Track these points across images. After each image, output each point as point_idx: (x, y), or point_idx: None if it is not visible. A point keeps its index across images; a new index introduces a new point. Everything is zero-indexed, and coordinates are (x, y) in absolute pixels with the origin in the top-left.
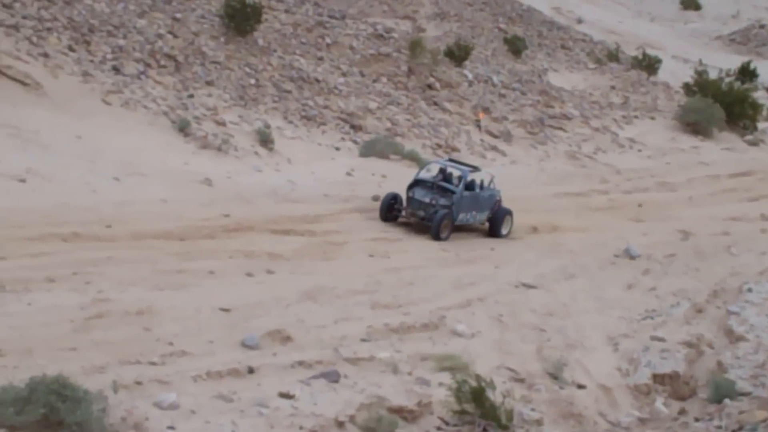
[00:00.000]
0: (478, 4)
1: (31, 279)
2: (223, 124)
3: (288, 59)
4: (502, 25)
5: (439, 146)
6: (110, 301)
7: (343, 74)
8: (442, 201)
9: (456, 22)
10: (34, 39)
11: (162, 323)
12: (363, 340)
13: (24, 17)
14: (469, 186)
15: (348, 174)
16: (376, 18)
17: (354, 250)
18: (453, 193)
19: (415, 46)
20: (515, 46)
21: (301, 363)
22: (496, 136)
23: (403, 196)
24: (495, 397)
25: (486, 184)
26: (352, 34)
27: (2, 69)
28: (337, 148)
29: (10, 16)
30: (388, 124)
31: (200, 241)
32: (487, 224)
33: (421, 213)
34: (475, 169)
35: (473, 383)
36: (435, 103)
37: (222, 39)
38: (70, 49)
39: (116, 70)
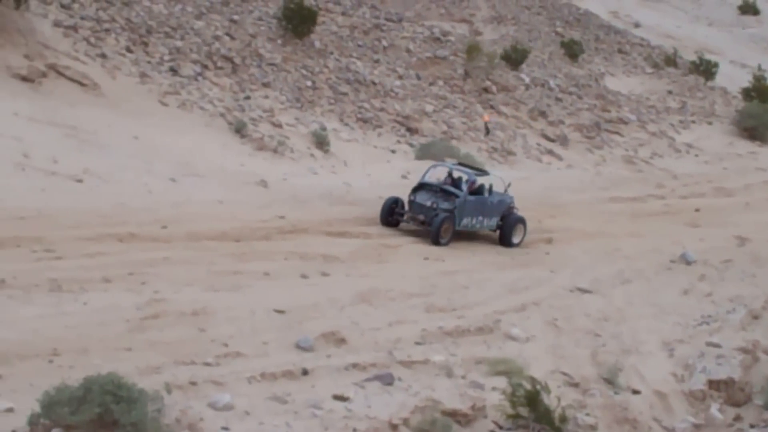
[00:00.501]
0: (535, 7)
1: (88, 279)
2: (279, 125)
3: (344, 62)
4: (559, 29)
5: (495, 150)
6: (166, 301)
7: (400, 77)
8: (445, 205)
9: (513, 26)
10: (92, 40)
11: (217, 324)
12: (417, 343)
13: (82, 18)
14: (477, 191)
15: (403, 177)
16: (433, 21)
17: (409, 253)
18: (456, 196)
19: (472, 50)
20: (572, 50)
21: (355, 365)
22: (552, 140)
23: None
24: (549, 401)
25: (502, 189)
26: (408, 37)
27: (61, 69)
28: (393, 151)
29: (69, 17)
30: (444, 128)
31: (255, 242)
32: (497, 232)
33: (421, 217)
34: (483, 172)
35: (528, 387)
36: (491, 107)
37: (279, 41)
38: (128, 50)
39: (173, 71)
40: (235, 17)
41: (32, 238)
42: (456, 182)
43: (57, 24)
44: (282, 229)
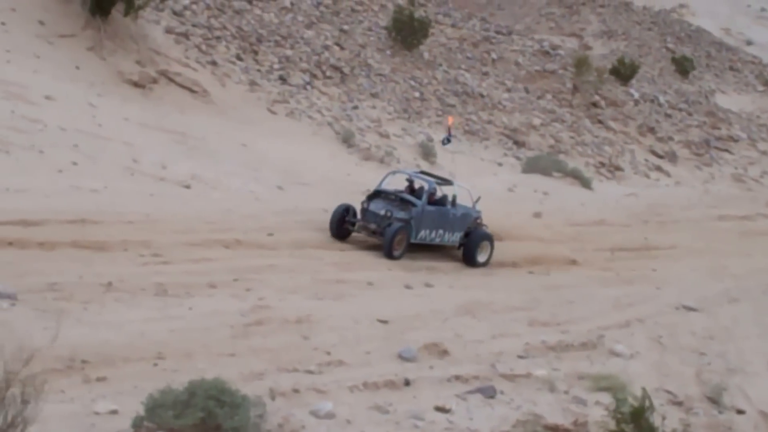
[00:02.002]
0: (646, 23)
1: (193, 284)
2: (386, 136)
3: (453, 73)
4: (670, 45)
5: (603, 165)
6: (270, 308)
7: (508, 90)
8: (400, 214)
9: (623, 41)
10: (203, 47)
11: (320, 332)
12: (520, 357)
13: (194, 25)
14: (439, 201)
15: (510, 190)
16: (542, 34)
17: (512, 265)
18: (414, 206)
19: (581, 64)
20: (683, 66)
21: (457, 377)
22: (660, 156)
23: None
24: (653, 418)
25: (463, 202)
26: (518, 50)
27: (172, 76)
28: (500, 164)
29: (181, 24)
30: (552, 141)
31: (360, 252)
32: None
33: (373, 226)
34: (445, 182)
35: (633, 403)
36: (599, 122)
37: (388, 52)
38: (238, 58)
39: (283, 79)
40: (345, 27)
41: (140, 242)
42: (418, 192)
43: (169, 31)
44: None
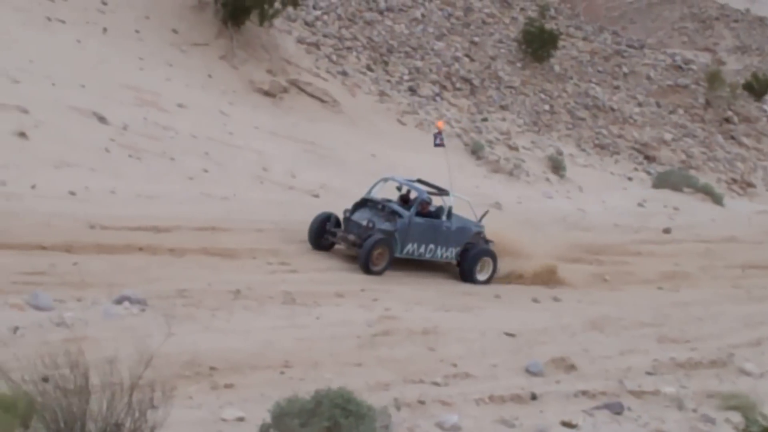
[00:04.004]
0: None
1: (321, 293)
2: (515, 148)
3: (583, 87)
4: None
5: (734, 181)
6: (396, 319)
7: (639, 104)
8: (384, 225)
9: (757, 56)
10: (334, 57)
11: (447, 344)
12: (648, 373)
13: (325, 36)
14: (433, 213)
15: (639, 205)
16: (674, 49)
17: (642, 282)
18: (400, 217)
19: (714, 79)
20: None
21: (584, 392)
22: None
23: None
24: None
25: (474, 216)
26: (649, 64)
27: (302, 85)
28: (630, 178)
29: (312, 34)
30: (683, 157)
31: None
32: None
33: (352, 237)
34: (441, 191)
35: (763, 423)
36: (732, 137)
37: (518, 64)
38: (369, 68)
39: (412, 90)
40: (476, 39)
41: (268, 250)
42: (412, 202)
43: (300, 41)
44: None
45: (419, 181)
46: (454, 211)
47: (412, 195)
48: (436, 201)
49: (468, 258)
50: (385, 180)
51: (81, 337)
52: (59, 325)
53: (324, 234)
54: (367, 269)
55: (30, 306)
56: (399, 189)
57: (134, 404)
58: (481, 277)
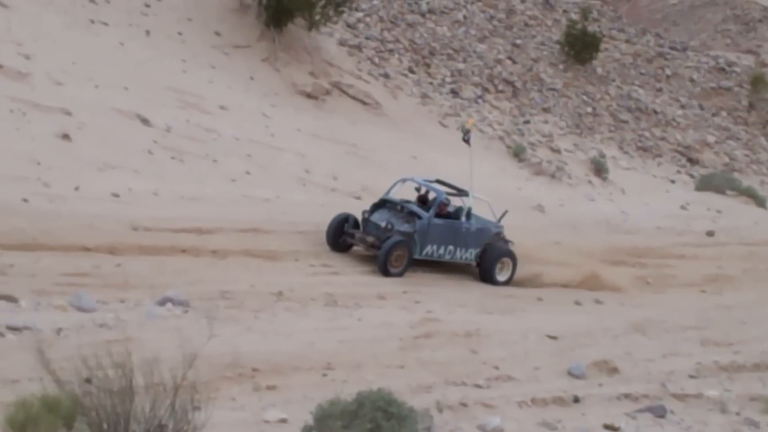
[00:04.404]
0: None
1: (363, 295)
2: (557, 151)
3: (626, 89)
4: None
5: None
6: (439, 321)
7: (682, 106)
8: (403, 227)
9: None
10: (376, 60)
11: (489, 346)
12: (691, 377)
13: (367, 38)
14: (452, 214)
15: (682, 207)
16: (718, 51)
17: (685, 285)
18: (419, 218)
19: (758, 81)
20: None
21: (627, 395)
22: None
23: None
24: None
25: (491, 215)
26: (692, 67)
27: (344, 88)
28: (672, 181)
29: (354, 37)
30: (726, 159)
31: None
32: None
33: (371, 239)
34: (460, 192)
35: None
36: None
37: (560, 66)
38: (410, 70)
39: (454, 93)
40: (518, 41)
41: (310, 252)
42: (431, 203)
43: (342, 43)
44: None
45: (438, 181)
46: (474, 211)
47: (431, 196)
48: (455, 201)
49: (488, 259)
50: (404, 181)
51: (124, 338)
52: (102, 326)
53: (342, 235)
54: (385, 271)
55: (73, 307)
56: (418, 190)
57: (177, 405)
58: (501, 277)
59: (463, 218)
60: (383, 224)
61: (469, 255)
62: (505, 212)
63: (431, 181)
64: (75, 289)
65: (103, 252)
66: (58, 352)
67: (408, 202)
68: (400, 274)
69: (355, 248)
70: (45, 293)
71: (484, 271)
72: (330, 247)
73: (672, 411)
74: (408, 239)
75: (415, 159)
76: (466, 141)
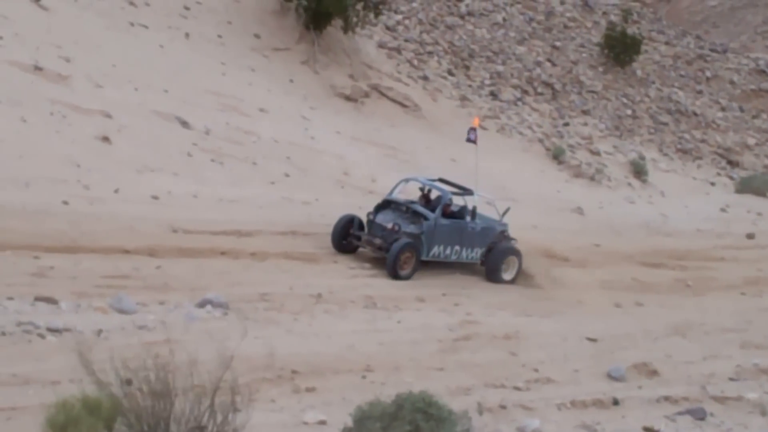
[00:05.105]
0: None
1: (402, 297)
2: (597, 153)
3: (666, 91)
4: None
5: None
6: (478, 323)
7: (722, 109)
8: (409, 228)
9: None
10: (415, 62)
11: (528, 349)
12: (731, 379)
13: (406, 40)
14: (457, 214)
15: (722, 210)
16: (758, 53)
17: (725, 287)
18: (426, 219)
19: None
20: None
21: (666, 398)
22: None
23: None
24: None
25: (494, 214)
26: (733, 68)
27: (383, 90)
28: (712, 183)
29: (393, 39)
30: (766, 161)
31: (568, 269)
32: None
33: (378, 241)
34: (465, 191)
35: None
36: None
37: (600, 68)
38: (450, 73)
39: (493, 95)
40: (557, 44)
41: (348, 254)
42: (434, 203)
43: (381, 45)
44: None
45: (441, 180)
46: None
47: (433, 195)
48: (459, 201)
49: (493, 258)
50: (407, 180)
51: (164, 340)
52: (142, 328)
53: (348, 237)
54: (395, 275)
55: (113, 309)
56: (422, 189)
57: (217, 407)
58: (507, 276)
59: (468, 218)
60: (389, 225)
61: (475, 255)
62: (508, 209)
63: (434, 180)
64: (115, 291)
65: (143, 254)
66: (98, 354)
67: (413, 202)
68: (408, 277)
69: (360, 250)
70: (85, 295)
71: (489, 271)
72: (335, 248)
73: (712, 414)
74: (415, 241)
75: (454, 161)
76: (472, 141)
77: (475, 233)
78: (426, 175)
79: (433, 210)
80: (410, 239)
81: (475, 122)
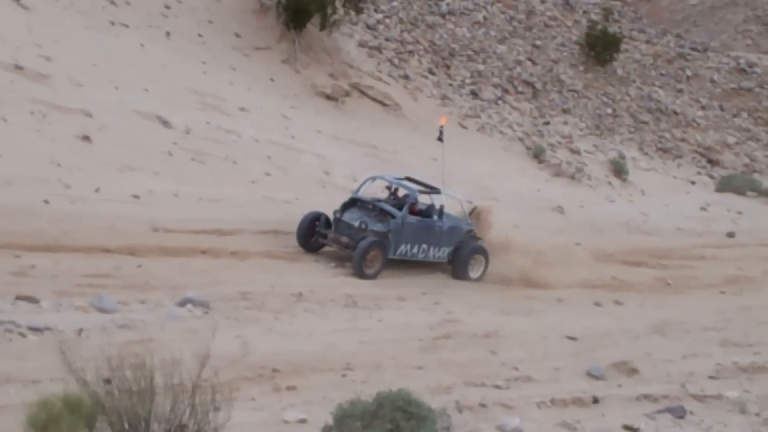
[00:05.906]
0: None
1: (382, 296)
2: (577, 152)
3: (646, 90)
4: None
5: None
6: (458, 322)
7: (702, 107)
8: (376, 227)
9: None
10: (396, 61)
11: (508, 347)
12: (711, 378)
13: (387, 39)
14: (424, 212)
15: (702, 209)
16: (738, 52)
17: (705, 286)
18: (393, 217)
19: None
20: None
21: (646, 396)
22: None
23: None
24: None
25: (460, 212)
26: (713, 67)
27: (364, 89)
28: (693, 182)
29: (374, 38)
30: (746, 160)
31: (549, 268)
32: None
33: (345, 239)
34: (432, 190)
35: None
36: None
37: (581, 67)
38: (430, 72)
39: (474, 94)
40: (538, 42)
41: (330, 253)
42: (401, 201)
43: (362, 44)
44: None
45: (407, 178)
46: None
47: (400, 193)
48: (424, 199)
49: (460, 256)
50: (374, 179)
51: (144, 339)
52: (123, 327)
53: (314, 235)
54: (361, 273)
55: (94, 308)
56: (389, 188)
57: (197, 406)
58: (474, 274)
59: (435, 217)
60: (356, 224)
61: (442, 254)
62: (474, 208)
63: (401, 179)
64: (96, 290)
65: (124, 253)
66: (79, 352)
67: (379, 200)
68: (374, 276)
69: (326, 248)
70: (66, 294)
71: (457, 269)
72: (301, 246)
73: (691, 412)
74: (382, 239)
75: (435, 161)
76: (440, 140)
77: (442, 232)
78: (393, 174)
79: (400, 208)
80: (377, 237)
81: (443, 121)
